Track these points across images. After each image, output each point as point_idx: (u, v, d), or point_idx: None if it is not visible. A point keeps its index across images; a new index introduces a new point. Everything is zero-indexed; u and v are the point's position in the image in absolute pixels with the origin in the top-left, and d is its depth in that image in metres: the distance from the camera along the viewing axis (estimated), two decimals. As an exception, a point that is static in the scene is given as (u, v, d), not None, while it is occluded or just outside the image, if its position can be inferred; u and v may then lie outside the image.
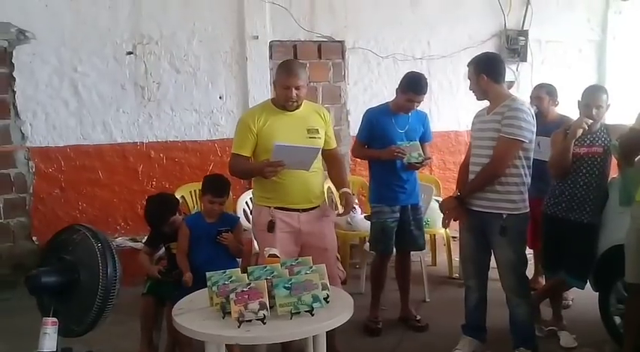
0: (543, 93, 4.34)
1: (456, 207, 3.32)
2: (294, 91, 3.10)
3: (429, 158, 4.03)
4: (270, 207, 3.19)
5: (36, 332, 3.44)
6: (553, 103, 4.35)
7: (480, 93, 3.32)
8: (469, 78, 3.33)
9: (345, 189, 3.25)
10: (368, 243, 4.20)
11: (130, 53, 5.13)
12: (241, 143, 3.23)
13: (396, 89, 3.93)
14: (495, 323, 3.50)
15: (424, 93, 3.84)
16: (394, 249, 4.05)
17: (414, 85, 3.80)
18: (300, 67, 3.23)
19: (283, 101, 3.17)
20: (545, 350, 3.51)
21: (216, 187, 3.38)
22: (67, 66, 5.04)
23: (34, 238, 5.12)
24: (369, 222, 4.83)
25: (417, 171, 3.98)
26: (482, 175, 3.21)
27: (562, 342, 3.62)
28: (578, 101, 3.56)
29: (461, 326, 3.53)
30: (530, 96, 4.42)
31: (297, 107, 3.19)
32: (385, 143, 3.84)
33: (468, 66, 3.36)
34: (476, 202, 3.26)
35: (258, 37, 5.29)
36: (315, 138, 3.18)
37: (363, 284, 4.65)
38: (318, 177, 3.31)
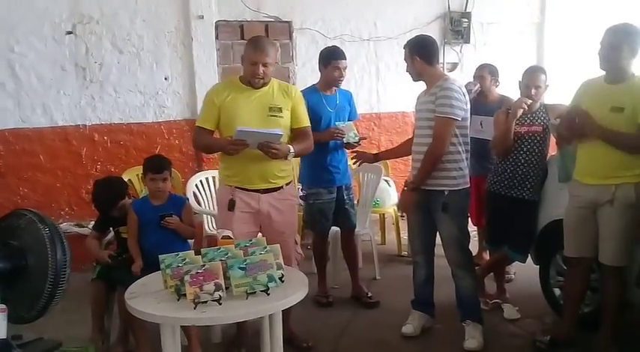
0: (486, 73, 4.47)
1: (413, 202, 3.36)
2: (261, 68, 3.06)
3: (364, 137, 4.13)
4: (231, 185, 3.18)
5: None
6: (495, 83, 4.49)
7: (415, 74, 3.38)
8: (405, 60, 3.39)
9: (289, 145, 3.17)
10: (303, 223, 4.24)
11: (69, 33, 4.97)
12: (205, 117, 3.21)
13: (319, 68, 3.99)
14: (443, 299, 3.60)
15: (344, 59, 3.92)
16: (337, 229, 4.16)
17: (333, 53, 3.93)
18: (269, 44, 3.19)
19: (250, 77, 3.13)
20: (490, 322, 3.62)
21: (154, 164, 3.34)
22: (2, 46, 4.84)
23: (-29, 226, 4.92)
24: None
25: (347, 152, 4.04)
26: (428, 158, 3.26)
27: (506, 314, 3.76)
28: (519, 81, 3.68)
29: (410, 302, 3.63)
30: (474, 76, 4.54)
31: (264, 84, 3.15)
32: (318, 123, 3.82)
33: (403, 48, 3.42)
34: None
35: (203, 16, 5.21)
36: (275, 116, 3.15)
37: (314, 265, 4.70)
38: None
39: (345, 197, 4.04)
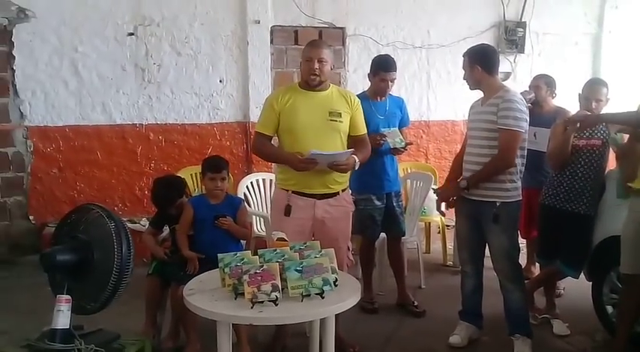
0: (542, 83, 4.41)
1: (455, 196, 3.40)
2: (317, 63, 3.12)
3: (411, 143, 4.15)
4: (288, 190, 3.23)
5: (37, 310, 3.52)
6: (550, 94, 4.43)
7: (473, 83, 3.37)
8: (463, 68, 3.39)
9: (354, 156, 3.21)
10: (352, 228, 4.25)
11: (131, 34, 5.12)
12: (264, 121, 3.27)
13: (368, 76, 4.04)
14: (491, 311, 3.57)
15: (394, 70, 3.94)
16: (384, 236, 4.18)
17: (381, 64, 3.95)
18: (324, 44, 3.30)
19: (306, 75, 3.18)
20: (538, 337, 3.58)
21: (213, 164, 3.42)
22: (67, 46, 5.02)
23: (30, 217, 5.12)
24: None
25: (396, 159, 4.10)
26: (490, 167, 3.24)
27: (555, 330, 3.70)
28: (579, 94, 3.63)
29: (458, 312, 3.61)
30: (529, 86, 4.49)
31: (320, 83, 3.19)
32: (367, 130, 3.87)
33: (463, 56, 3.42)
34: (473, 191, 3.30)
35: (259, 21, 5.29)
36: (335, 121, 3.19)
37: (360, 271, 4.71)
38: None
39: (395, 204, 4.05)
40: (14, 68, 4.93)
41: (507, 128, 3.19)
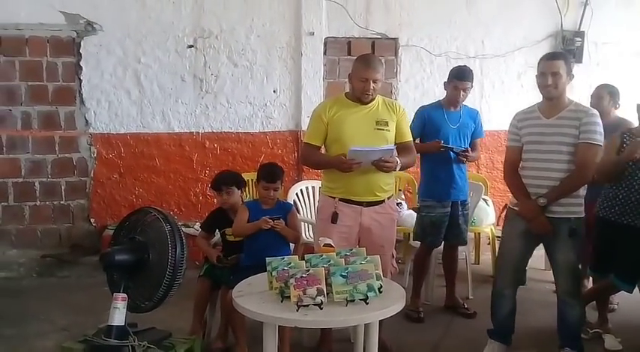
0: (604, 93, 4.28)
1: (539, 215, 3.18)
2: (372, 84, 3.18)
3: (472, 156, 4.12)
4: (334, 197, 3.29)
5: (94, 308, 3.69)
6: (614, 105, 4.30)
7: (560, 91, 3.21)
8: (558, 73, 3.17)
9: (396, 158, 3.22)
10: (413, 234, 4.27)
11: (190, 46, 5.32)
12: (312, 133, 3.36)
13: (444, 84, 4.11)
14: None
15: (468, 80, 3.97)
16: (442, 243, 4.18)
17: (456, 73, 4.00)
18: (378, 61, 3.31)
19: (360, 93, 3.25)
20: (590, 352, 3.53)
21: (269, 173, 3.50)
22: (130, 57, 5.26)
23: (92, 220, 5.37)
24: (413, 217, 4.93)
25: (466, 168, 4.11)
26: (573, 182, 3.18)
27: (606, 345, 3.61)
28: (637, 105, 3.54)
29: (487, 331, 3.52)
30: (591, 95, 4.38)
31: (372, 100, 3.27)
32: (437, 137, 3.98)
33: (556, 59, 3.22)
34: (548, 208, 3.18)
35: (313, 33, 5.40)
36: (383, 130, 3.24)
37: (407, 279, 4.72)
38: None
39: (460, 213, 4.05)
40: (81, 78, 5.21)
41: (594, 143, 3.14)
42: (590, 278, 4.15)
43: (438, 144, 3.95)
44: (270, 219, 3.39)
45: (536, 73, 3.31)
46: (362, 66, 3.24)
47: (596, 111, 3.21)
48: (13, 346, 3.62)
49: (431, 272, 4.39)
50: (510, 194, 3.49)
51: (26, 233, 5.27)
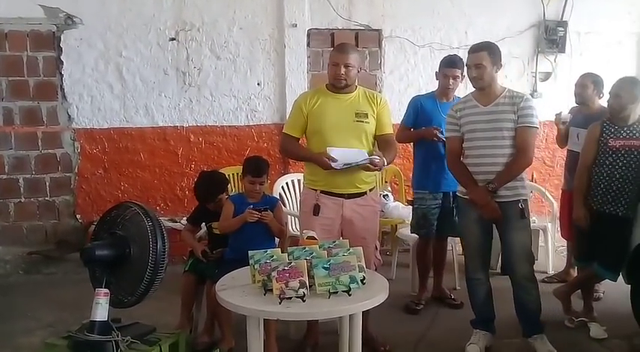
0: (588, 82, 4.28)
1: (490, 201, 3.23)
2: (342, 68, 3.18)
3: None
4: (316, 190, 3.29)
5: (80, 304, 3.67)
6: (598, 94, 4.31)
7: (487, 81, 3.25)
8: (481, 65, 3.21)
9: (378, 153, 3.22)
10: (410, 227, 4.28)
11: (172, 39, 5.28)
12: (292, 123, 3.36)
13: (435, 74, 4.11)
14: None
15: (457, 68, 3.96)
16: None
17: (445, 61, 4.03)
18: (352, 48, 3.34)
19: (332, 79, 3.26)
20: (575, 341, 3.56)
21: (255, 168, 3.49)
22: (112, 51, 5.22)
23: (77, 216, 5.34)
24: (403, 209, 4.96)
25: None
26: (518, 165, 3.24)
27: (592, 333, 3.64)
28: (609, 92, 3.58)
29: (470, 322, 3.54)
30: (575, 84, 4.39)
31: (346, 86, 3.25)
32: (430, 126, 3.97)
33: (478, 51, 3.26)
34: (495, 193, 3.23)
35: (296, 24, 5.37)
36: (362, 122, 3.25)
37: (394, 271, 4.75)
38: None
39: (452, 204, 4.02)
40: (62, 73, 5.16)
41: (532, 126, 3.23)
42: (576, 267, 4.20)
43: (433, 132, 3.92)
44: (256, 209, 3.37)
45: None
46: (333, 51, 3.32)
47: (530, 97, 3.32)
48: (-3, 343, 3.60)
49: (414, 264, 4.40)
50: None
51: (11, 230, 5.23)
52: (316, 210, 3.25)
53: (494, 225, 3.37)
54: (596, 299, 4.07)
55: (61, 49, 5.13)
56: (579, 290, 3.90)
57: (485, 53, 3.24)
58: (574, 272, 4.36)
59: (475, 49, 3.30)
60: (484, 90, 3.30)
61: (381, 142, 3.34)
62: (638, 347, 3.44)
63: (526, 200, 3.32)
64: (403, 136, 4.13)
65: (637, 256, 3.46)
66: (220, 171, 4.94)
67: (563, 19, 5.86)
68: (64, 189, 5.30)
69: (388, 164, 3.37)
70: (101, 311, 2.55)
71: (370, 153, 3.18)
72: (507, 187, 3.24)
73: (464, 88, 5.60)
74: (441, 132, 3.85)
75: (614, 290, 4.03)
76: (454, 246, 4.66)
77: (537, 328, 3.38)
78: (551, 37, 5.83)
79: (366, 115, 3.26)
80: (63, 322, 3.67)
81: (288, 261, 2.59)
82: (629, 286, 3.62)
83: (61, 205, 5.32)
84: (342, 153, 3.12)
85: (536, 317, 3.38)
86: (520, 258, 3.31)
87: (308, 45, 5.48)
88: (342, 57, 3.20)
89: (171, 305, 3.56)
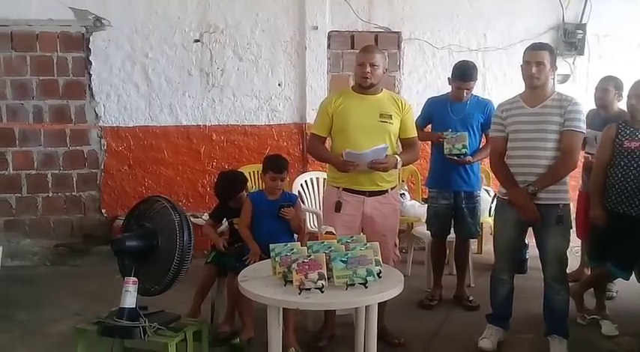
0: (610, 86, 4.30)
1: (529, 202, 3.24)
2: (368, 67, 3.28)
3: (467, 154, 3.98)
4: (339, 187, 3.40)
5: (105, 295, 3.83)
6: (618, 97, 4.35)
7: (544, 81, 3.27)
8: (542, 63, 3.22)
9: (396, 156, 3.34)
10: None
11: (197, 41, 5.43)
12: (318, 124, 3.48)
13: (448, 79, 4.14)
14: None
15: (470, 80, 3.99)
16: (453, 233, 4.24)
17: (459, 73, 4.01)
18: (377, 49, 3.46)
19: (358, 78, 3.36)
20: (587, 337, 3.62)
21: (276, 165, 3.60)
22: (138, 52, 5.39)
23: (103, 210, 5.52)
24: (419, 208, 5.04)
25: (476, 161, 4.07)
26: (561, 169, 3.25)
27: (603, 330, 3.70)
28: (628, 94, 3.63)
29: (486, 316, 3.61)
30: (596, 88, 4.42)
31: (372, 85, 3.35)
32: (440, 127, 4.06)
33: (541, 50, 3.27)
34: (535, 196, 3.25)
35: (317, 27, 5.49)
36: (386, 122, 3.34)
37: (410, 268, 4.84)
38: None
39: (463, 205, 4.06)
40: (91, 73, 5.35)
41: (578, 130, 3.23)
42: (589, 266, 4.25)
43: (437, 136, 4.02)
44: (281, 206, 3.51)
45: (521, 63, 3.36)
46: (360, 52, 3.40)
47: (578, 101, 3.28)
48: (28, 330, 3.77)
49: (429, 262, 4.48)
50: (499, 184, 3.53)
51: (39, 223, 5.43)
52: (338, 206, 3.36)
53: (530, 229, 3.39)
54: (609, 298, 4.12)
55: (89, 50, 5.32)
56: (592, 289, 3.95)
57: (547, 53, 3.26)
58: (587, 272, 4.41)
59: (538, 47, 3.31)
60: (536, 89, 3.28)
61: (405, 145, 3.46)
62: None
63: (567, 205, 3.30)
64: None
65: (650, 256, 3.53)
66: (240, 169, 5.13)
67: (582, 22, 5.89)
68: (91, 185, 5.49)
69: (407, 164, 3.47)
70: (130, 298, 2.68)
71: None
72: (548, 190, 3.23)
73: (481, 88, 5.76)
74: (443, 138, 3.94)
75: (627, 289, 4.08)
76: (469, 245, 4.72)
77: (561, 330, 3.39)
78: (569, 39, 5.86)
79: (390, 117, 3.35)
80: (89, 311, 3.81)
81: (307, 254, 2.70)
82: (642, 285, 3.68)
83: (87, 200, 5.50)
84: (357, 155, 3.22)
85: (561, 317, 3.40)
86: (552, 260, 3.33)
87: (328, 47, 5.59)
88: (368, 56, 3.31)
89: (192, 298, 3.67)
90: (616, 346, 3.56)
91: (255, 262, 3.34)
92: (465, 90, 4.00)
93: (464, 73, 3.99)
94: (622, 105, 4.39)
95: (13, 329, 3.80)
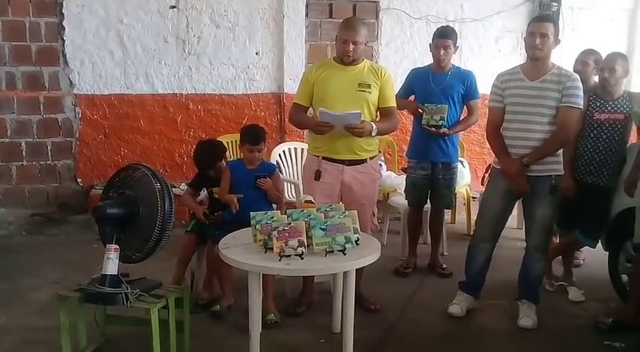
0: (590, 60, 4.32)
1: (521, 173, 3.31)
2: (351, 45, 3.30)
3: (444, 126, 4.03)
4: (318, 156, 3.45)
5: (83, 264, 3.85)
6: (596, 72, 4.42)
7: (546, 53, 3.29)
8: (546, 34, 3.24)
9: (372, 123, 3.36)
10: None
11: (173, 7, 5.35)
12: (300, 93, 3.53)
13: (429, 45, 4.18)
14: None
15: (447, 38, 4.03)
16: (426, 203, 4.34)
17: (437, 32, 4.11)
18: (360, 24, 3.42)
19: (341, 54, 3.39)
20: (553, 303, 3.76)
21: (252, 136, 3.61)
22: (113, 17, 5.29)
23: (78, 180, 5.49)
24: (395, 178, 5.12)
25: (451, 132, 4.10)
26: (555, 143, 3.30)
27: (570, 296, 3.86)
28: (600, 67, 3.72)
29: (458, 283, 3.71)
30: (576, 60, 4.49)
31: (354, 61, 3.38)
32: (422, 98, 4.11)
33: (545, 21, 3.30)
34: (530, 167, 3.31)
35: (295, -5, 5.45)
36: (364, 91, 3.38)
37: (386, 237, 4.93)
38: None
39: (440, 176, 4.13)
40: (64, 38, 5.25)
41: (575, 106, 3.27)
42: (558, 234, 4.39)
43: (416, 107, 4.07)
44: (257, 177, 3.53)
45: (524, 35, 3.39)
46: (342, 28, 3.39)
47: (577, 76, 3.33)
48: (7, 299, 3.77)
49: (404, 231, 4.58)
50: (493, 155, 3.57)
51: (14, 192, 5.39)
52: (317, 175, 3.41)
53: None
54: (576, 265, 4.28)
55: (62, 15, 5.20)
56: (560, 257, 4.10)
57: (551, 25, 3.28)
58: (556, 240, 4.54)
59: (542, 19, 3.35)
60: (537, 61, 3.30)
61: (383, 114, 3.50)
62: (613, 309, 3.63)
63: (559, 176, 3.37)
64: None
65: (616, 224, 3.66)
66: (218, 139, 5.13)
67: (558, -5, 5.95)
68: (65, 154, 5.44)
69: (384, 133, 3.53)
70: (111, 265, 2.69)
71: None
72: (541, 162, 3.29)
73: (458, 59, 5.80)
74: (422, 108, 4.00)
75: (593, 257, 4.24)
76: (444, 215, 4.83)
77: (533, 296, 3.50)
78: (545, 11, 5.91)
79: (369, 86, 3.39)
80: (68, 279, 3.83)
81: (287, 222, 2.76)
82: (607, 253, 3.82)
83: (62, 169, 5.46)
84: (332, 116, 3.25)
85: (535, 285, 3.52)
86: (539, 229, 3.41)
87: (306, 15, 5.56)
88: (351, 34, 3.31)
89: (172, 266, 3.71)
90: (582, 311, 3.72)
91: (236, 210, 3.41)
92: (442, 50, 4.02)
93: (443, 32, 4.08)
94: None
95: (-9, 297, 3.80)
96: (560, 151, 3.37)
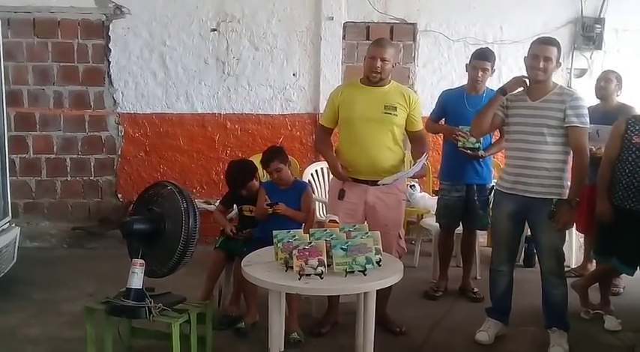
0: (613, 77, 4.30)
1: (573, 215, 3.27)
2: (379, 62, 3.31)
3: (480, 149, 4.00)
4: None
5: (118, 277, 3.93)
6: (618, 90, 4.35)
7: (548, 76, 3.27)
8: (550, 58, 3.21)
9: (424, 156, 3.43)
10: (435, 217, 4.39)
11: (214, 30, 5.50)
12: (325, 115, 3.59)
13: (465, 66, 4.17)
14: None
15: (486, 60, 4.00)
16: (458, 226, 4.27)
17: (477, 53, 4.08)
18: (389, 44, 3.46)
19: (368, 72, 3.39)
20: (590, 332, 3.64)
21: (263, 160, 3.75)
22: (157, 40, 5.48)
23: (119, 195, 5.65)
24: (429, 200, 5.07)
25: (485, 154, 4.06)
26: (580, 171, 3.24)
27: (606, 325, 3.71)
28: None
29: (485, 309, 3.64)
30: (598, 79, 4.41)
31: (381, 80, 3.38)
32: (456, 120, 4.06)
33: (550, 45, 3.26)
34: (529, 188, 3.27)
35: (333, 17, 5.51)
36: (390, 114, 3.37)
37: (417, 259, 4.88)
38: (389, 153, 3.43)
39: (475, 197, 4.07)
40: (110, 60, 5.46)
41: (583, 126, 3.22)
42: (594, 261, 4.26)
43: (452, 132, 4.02)
44: (268, 204, 3.56)
45: (525, 55, 3.35)
46: (371, 45, 3.43)
47: (579, 95, 3.28)
48: (42, 309, 3.90)
49: (435, 254, 4.51)
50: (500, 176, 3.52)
51: (58, 206, 5.59)
52: (341, 194, 3.42)
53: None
54: (616, 293, 4.13)
55: (109, 38, 5.42)
56: (597, 284, 3.96)
57: (555, 49, 3.26)
58: (591, 266, 4.41)
59: (547, 42, 3.30)
60: (539, 83, 3.28)
61: (413, 138, 3.49)
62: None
63: (560, 200, 3.25)
64: (429, 128, 4.22)
65: (656, 252, 3.53)
66: (252, 158, 5.20)
67: (601, 16, 5.83)
68: (108, 170, 5.62)
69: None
70: (136, 279, 2.77)
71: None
72: (542, 184, 3.23)
73: (496, 82, 5.74)
74: (459, 134, 3.95)
75: (634, 285, 4.08)
76: (477, 238, 4.74)
77: (561, 323, 3.40)
78: (587, 33, 5.80)
79: (395, 108, 3.38)
80: (102, 292, 3.88)
81: (308, 241, 2.77)
82: (648, 282, 3.69)
83: (104, 185, 5.64)
84: (403, 177, 3.35)
85: (560, 311, 3.41)
86: (548, 255, 3.34)
87: (343, 37, 5.61)
88: (380, 51, 3.32)
89: (201, 282, 3.75)
90: (617, 340, 3.58)
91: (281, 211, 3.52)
92: (480, 71, 3.99)
93: (482, 53, 4.06)
94: (621, 99, 4.40)
95: (28, 307, 3.94)
96: (561, 175, 3.28)
